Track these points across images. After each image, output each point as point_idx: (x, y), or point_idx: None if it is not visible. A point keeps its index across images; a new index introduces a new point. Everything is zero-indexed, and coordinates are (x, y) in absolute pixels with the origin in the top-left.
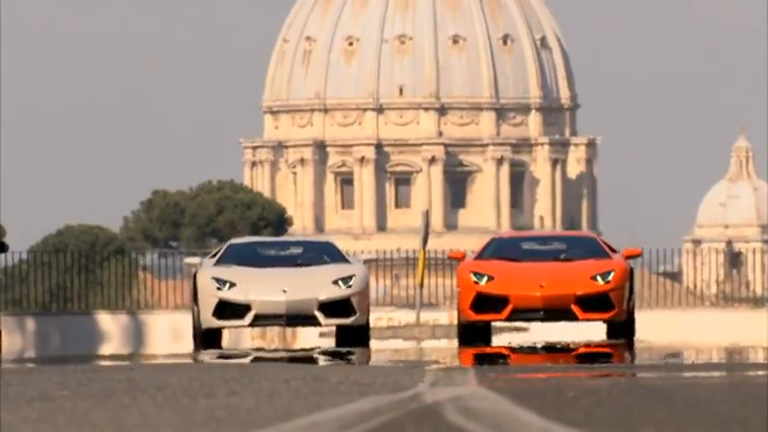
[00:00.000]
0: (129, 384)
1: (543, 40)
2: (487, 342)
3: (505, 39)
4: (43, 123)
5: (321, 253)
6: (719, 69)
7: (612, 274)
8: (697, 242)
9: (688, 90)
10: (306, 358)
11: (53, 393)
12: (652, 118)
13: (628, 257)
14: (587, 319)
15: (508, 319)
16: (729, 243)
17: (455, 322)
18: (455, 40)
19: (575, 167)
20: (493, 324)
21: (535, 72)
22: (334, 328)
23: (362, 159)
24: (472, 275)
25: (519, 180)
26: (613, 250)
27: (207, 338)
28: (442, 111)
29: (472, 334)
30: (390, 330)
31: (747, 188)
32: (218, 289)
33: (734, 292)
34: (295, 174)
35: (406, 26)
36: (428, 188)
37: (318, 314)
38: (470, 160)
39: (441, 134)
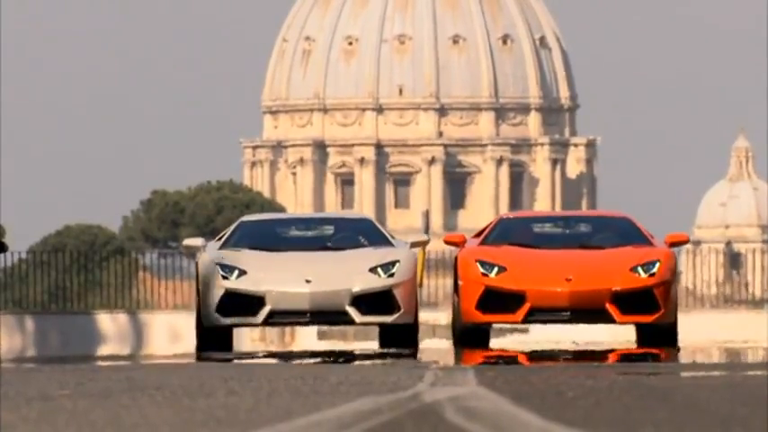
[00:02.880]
0: (129, 384)
1: (543, 39)
2: (486, 346)
3: (505, 39)
4: (43, 123)
5: (357, 233)
6: (719, 69)
7: (658, 265)
8: (696, 243)
9: (688, 90)
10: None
11: (53, 393)
12: (652, 118)
13: (672, 245)
14: (626, 322)
15: (524, 320)
16: (729, 244)
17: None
18: (455, 40)
19: (574, 167)
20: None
21: (535, 72)
22: (365, 328)
23: (362, 160)
24: (479, 266)
25: (518, 180)
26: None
27: (210, 339)
28: (442, 111)
29: (473, 338)
30: None
31: (747, 188)
32: (224, 278)
33: (734, 293)
34: (295, 174)
35: (405, 26)
36: (428, 189)
37: (351, 310)
38: (470, 161)
39: (440, 134)
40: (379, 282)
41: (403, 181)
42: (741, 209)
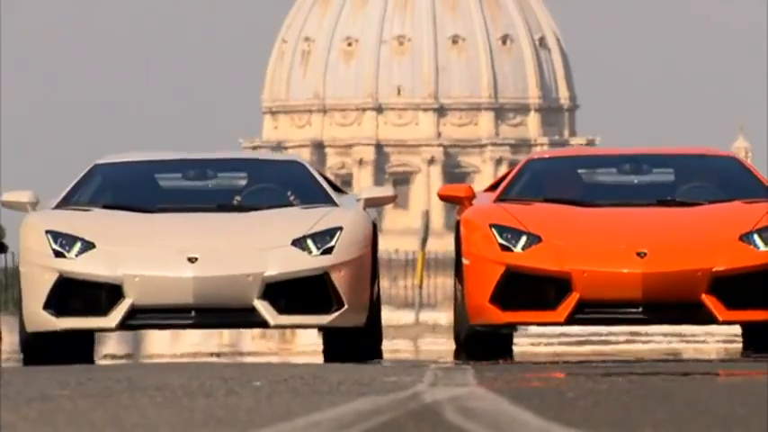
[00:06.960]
0: (129, 384)
1: (542, 40)
2: (509, 355)
3: (504, 39)
4: (43, 123)
5: (283, 185)
6: (719, 69)
7: None
8: None
9: (687, 90)
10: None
11: (53, 393)
12: (652, 118)
13: None
14: (734, 321)
15: (569, 320)
16: None
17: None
18: (454, 40)
19: None
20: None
21: (534, 72)
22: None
23: (361, 160)
24: (496, 234)
25: None
26: None
27: (38, 349)
28: (441, 111)
29: (486, 346)
30: (389, 331)
31: None
32: (59, 254)
33: None
34: None
35: (404, 27)
36: (427, 189)
37: (261, 305)
38: (469, 161)
39: (439, 135)
40: (307, 261)
41: (402, 181)
42: None
